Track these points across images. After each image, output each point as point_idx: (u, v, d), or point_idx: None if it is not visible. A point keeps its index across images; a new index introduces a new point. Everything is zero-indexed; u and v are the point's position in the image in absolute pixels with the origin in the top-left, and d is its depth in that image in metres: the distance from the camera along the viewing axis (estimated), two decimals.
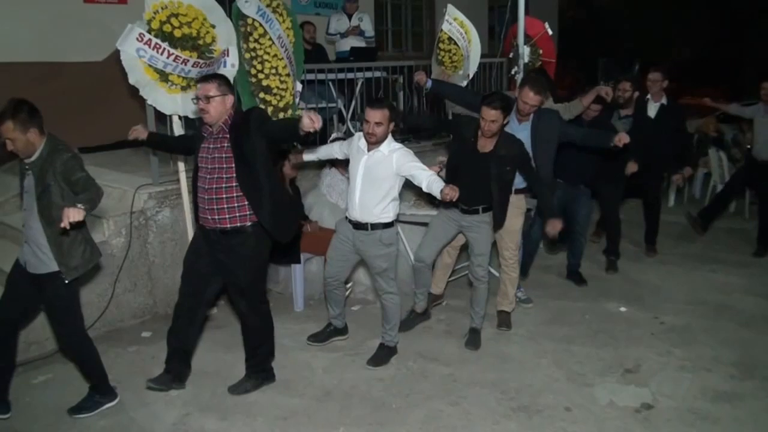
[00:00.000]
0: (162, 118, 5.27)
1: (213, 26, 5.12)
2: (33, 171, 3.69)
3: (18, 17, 6.84)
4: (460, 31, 6.91)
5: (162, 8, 4.85)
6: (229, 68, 5.31)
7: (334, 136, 6.22)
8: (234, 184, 3.87)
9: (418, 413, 3.94)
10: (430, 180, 4.16)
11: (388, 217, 4.41)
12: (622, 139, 4.80)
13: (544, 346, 4.81)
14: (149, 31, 4.80)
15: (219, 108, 3.83)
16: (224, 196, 3.88)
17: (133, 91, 4.97)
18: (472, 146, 4.62)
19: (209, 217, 3.95)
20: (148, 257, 5.34)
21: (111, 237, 5.16)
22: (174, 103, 5.06)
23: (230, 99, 3.91)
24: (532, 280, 6.14)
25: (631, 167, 6.05)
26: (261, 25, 5.41)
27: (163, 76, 4.94)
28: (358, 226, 4.45)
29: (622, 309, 5.48)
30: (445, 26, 6.87)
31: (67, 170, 3.63)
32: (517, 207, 5.01)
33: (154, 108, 5.08)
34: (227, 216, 3.91)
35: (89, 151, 6.89)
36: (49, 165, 3.64)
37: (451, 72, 7.00)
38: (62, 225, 3.35)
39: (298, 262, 5.44)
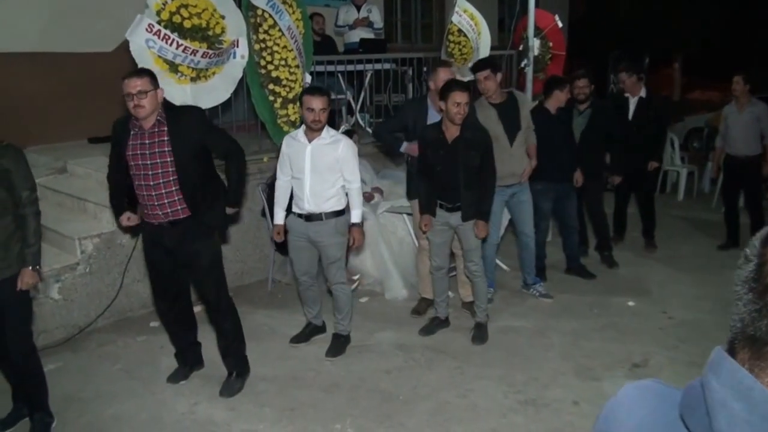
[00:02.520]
0: None
1: (222, 17, 5.13)
2: None
3: (25, 7, 6.84)
4: (469, 23, 6.90)
5: None
6: (239, 59, 5.33)
7: (342, 128, 6.22)
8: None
9: (426, 405, 3.95)
10: (353, 197, 4.44)
11: (340, 204, 4.46)
12: None
13: (552, 340, 4.80)
14: (159, 22, 4.81)
15: (153, 102, 3.74)
16: (173, 188, 3.83)
17: None
18: (441, 140, 4.55)
19: (159, 212, 3.86)
20: None
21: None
22: (183, 94, 5.08)
23: (161, 93, 3.84)
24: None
25: (615, 179, 6.38)
26: (271, 16, 5.43)
27: (173, 67, 4.96)
28: (311, 217, 4.46)
29: (630, 303, 5.46)
30: (454, 18, 6.86)
31: (16, 175, 3.48)
32: None
33: (164, 98, 5.09)
34: (179, 207, 3.86)
35: (99, 141, 6.92)
36: None
37: (461, 64, 6.99)
38: (18, 289, 3.44)
39: None
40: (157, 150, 3.78)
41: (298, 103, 5.69)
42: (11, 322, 3.58)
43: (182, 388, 4.22)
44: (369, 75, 7.45)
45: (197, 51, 4.94)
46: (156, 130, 3.78)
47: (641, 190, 6.84)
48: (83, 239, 5.05)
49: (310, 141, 4.35)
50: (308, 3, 6.04)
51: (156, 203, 3.83)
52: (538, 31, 7.35)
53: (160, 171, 3.78)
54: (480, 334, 4.84)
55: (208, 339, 4.75)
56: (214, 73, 5.20)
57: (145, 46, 4.79)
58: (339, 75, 7.14)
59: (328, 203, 4.41)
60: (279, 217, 4.62)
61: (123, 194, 4.01)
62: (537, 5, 7.07)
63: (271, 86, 5.53)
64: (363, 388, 4.17)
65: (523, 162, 5.28)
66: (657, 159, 6.67)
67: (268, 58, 5.46)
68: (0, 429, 3.79)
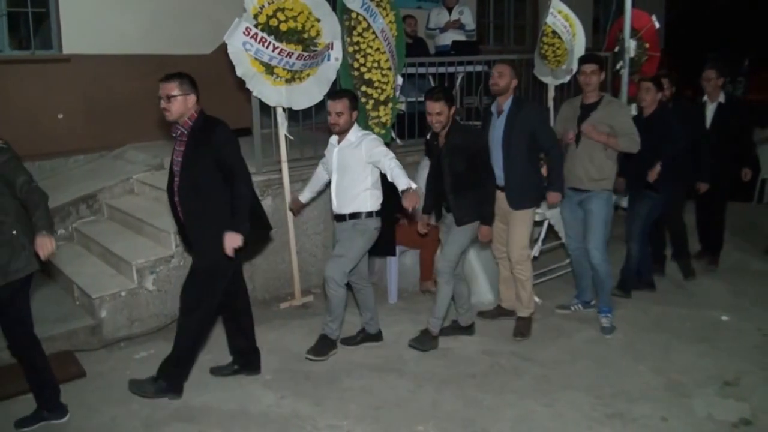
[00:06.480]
0: (267, 109, 5.42)
1: (318, 20, 5.22)
2: None
3: (129, 11, 7.15)
4: (564, 24, 6.76)
5: (269, 2, 4.97)
6: (333, 62, 5.42)
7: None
8: None
9: (510, 412, 3.92)
10: (395, 172, 4.19)
11: (363, 207, 4.47)
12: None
13: (643, 352, 4.67)
14: (256, 25, 4.93)
15: (180, 108, 3.82)
16: (177, 197, 3.94)
17: (240, 83, 5.13)
18: (435, 144, 4.64)
19: (181, 216, 4.01)
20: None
21: None
22: (278, 95, 5.20)
23: (192, 98, 3.87)
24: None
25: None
26: (365, 19, 5.47)
27: (269, 69, 5.08)
28: (338, 218, 4.56)
29: (725, 318, 5.26)
30: (549, 19, 6.74)
31: (8, 171, 3.51)
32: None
33: (260, 99, 5.24)
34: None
35: None
36: None
37: (554, 66, 6.88)
38: (43, 257, 3.41)
39: (394, 254, 5.49)
40: (181, 158, 3.90)
41: (389, 105, 5.75)
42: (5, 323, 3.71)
43: (270, 381, 4.33)
44: (460, 77, 7.42)
45: (293, 53, 5.04)
46: (182, 138, 3.91)
47: (716, 200, 6.36)
48: (178, 233, 5.22)
49: (338, 143, 4.49)
50: (400, 5, 6.07)
51: (178, 209, 3.99)
52: (634, 32, 7.15)
53: (177, 177, 3.92)
54: (420, 339, 4.73)
55: (301, 334, 4.91)
56: (308, 75, 5.29)
57: (243, 48, 4.92)
58: (430, 77, 7.15)
59: (350, 205, 4.47)
60: (302, 195, 4.94)
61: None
62: (633, 5, 6.88)
63: (363, 88, 5.58)
64: (447, 391, 4.18)
65: (589, 167, 4.88)
66: (749, 167, 6.27)
67: (362, 61, 5.52)
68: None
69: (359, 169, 4.43)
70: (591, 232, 5.00)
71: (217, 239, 3.86)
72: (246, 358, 4.44)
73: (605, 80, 7.87)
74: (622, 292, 5.61)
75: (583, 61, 5.03)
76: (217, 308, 4.20)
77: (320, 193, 5.25)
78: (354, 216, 4.47)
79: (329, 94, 4.46)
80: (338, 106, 4.39)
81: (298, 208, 5.13)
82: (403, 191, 4.09)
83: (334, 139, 4.58)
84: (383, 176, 4.39)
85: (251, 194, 3.98)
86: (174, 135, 3.95)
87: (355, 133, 4.48)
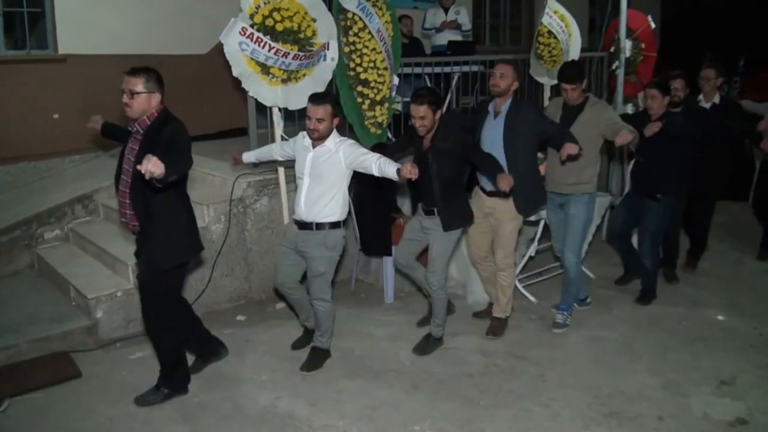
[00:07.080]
0: (263, 109, 5.42)
1: (314, 20, 5.21)
2: None
3: (124, 11, 7.15)
4: (560, 25, 6.77)
5: (264, 2, 4.97)
6: (329, 62, 5.41)
7: None
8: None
9: (507, 412, 3.93)
10: (380, 163, 4.02)
11: (334, 215, 4.28)
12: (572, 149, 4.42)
13: (639, 352, 4.68)
14: (252, 25, 4.92)
15: (143, 105, 3.64)
16: (128, 200, 3.76)
17: (236, 83, 5.12)
18: (419, 144, 4.53)
19: (123, 220, 3.88)
20: (245, 244, 5.51)
21: (210, 223, 5.34)
22: (274, 95, 5.20)
23: (156, 97, 3.69)
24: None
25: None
26: (361, 19, 5.47)
27: (265, 69, 5.07)
28: (303, 225, 4.32)
29: (720, 317, 5.27)
30: (544, 19, 6.74)
31: None
32: (507, 210, 4.74)
33: (256, 99, 5.24)
34: (129, 221, 3.84)
35: (192, 140, 7.14)
36: None
37: (550, 66, 6.88)
38: None
39: (390, 254, 5.48)
40: (133, 157, 3.68)
41: (385, 105, 5.75)
42: None
43: (266, 382, 4.33)
44: (456, 77, 7.42)
45: (288, 53, 5.04)
46: (138, 137, 3.72)
47: (704, 203, 6.27)
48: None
49: (313, 148, 4.27)
50: (396, 5, 6.07)
51: (120, 209, 3.85)
52: (630, 33, 7.17)
53: (128, 178, 3.71)
54: (423, 345, 4.72)
55: (298, 335, 4.88)
56: (304, 75, 5.29)
57: (238, 48, 4.92)
58: (426, 77, 7.15)
59: (320, 213, 4.25)
60: (245, 156, 4.87)
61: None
62: (629, 5, 6.90)
63: (359, 88, 5.59)
64: (444, 391, 4.18)
65: (568, 174, 4.84)
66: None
67: (357, 61, 5.52)
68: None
69: (334, 178, 4.22)
70: (568, 234, 5.00)
71: (168, 243, 3.82)
72: (207, 348, 4.48)
73: (600, 80, 7.96)
74: (642, 303, 5.57)
75: (561, 79, 4.91)
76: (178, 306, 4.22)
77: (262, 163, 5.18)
78: (320, 227, 4.27)
79: (310, 97, 4.26)
80: (319, 111, 4.13)
81: (235, 163, 5.02)
82: (397, 170, 3.92)
83: (307, 141, 4.30)
84: (369, 178, 4.28)
85: (184, 174, 3.71)
86: (130, 130, 3.78)
87: (333, 140, 4.22)
